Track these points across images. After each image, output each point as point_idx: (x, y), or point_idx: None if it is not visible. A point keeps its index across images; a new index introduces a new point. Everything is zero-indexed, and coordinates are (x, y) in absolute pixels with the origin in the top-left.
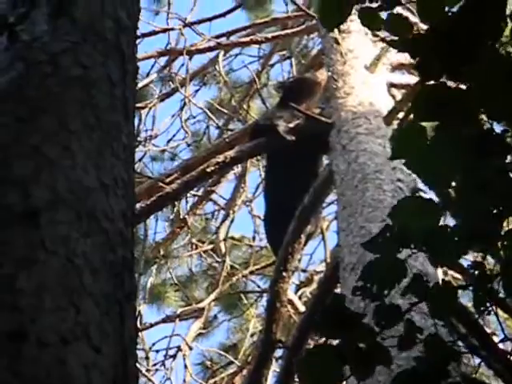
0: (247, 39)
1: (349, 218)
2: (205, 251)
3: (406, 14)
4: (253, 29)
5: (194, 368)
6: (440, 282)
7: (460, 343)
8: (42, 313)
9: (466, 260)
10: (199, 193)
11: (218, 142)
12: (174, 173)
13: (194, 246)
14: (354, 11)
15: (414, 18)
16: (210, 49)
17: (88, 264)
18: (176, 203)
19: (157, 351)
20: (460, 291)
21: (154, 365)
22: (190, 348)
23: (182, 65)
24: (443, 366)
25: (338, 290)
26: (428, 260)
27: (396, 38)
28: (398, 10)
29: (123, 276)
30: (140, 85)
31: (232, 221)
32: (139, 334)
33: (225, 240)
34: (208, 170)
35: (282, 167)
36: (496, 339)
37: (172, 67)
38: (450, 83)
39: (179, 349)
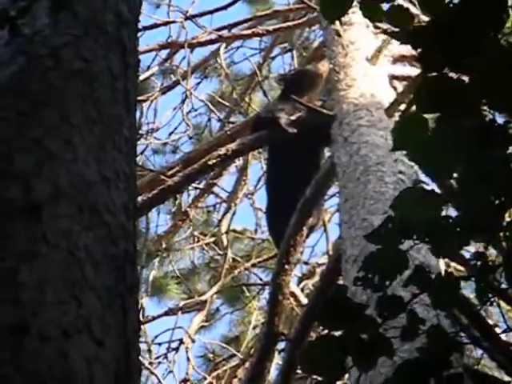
0: (249, 32)
1: (351, 211)
2: (207, 244)
3: (407, 5)
4: (254, 21)
5: (197, 361)
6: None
7: (462, 334)
8: (43, 306)
9: (469, 252)
10: (201, 186)
11: (219, 134)
12: (175, 166)
13: (195, 239)
14: (355, 3)
15: (415, 10)
16: (211, 41)
17: (90, 257)
18: (178, 196)
19: (159, 344)
20: (462, 283)
21: (157, 358)
22: (193, 341)
23: (184, 58)
24: (446, 356)
25: (340, 283)
26: (430, 251)
27: (397, 29)
28: (400, 1)
29: (125, 269)
30: (141, 78)
31: (234, 213)
32: (141, 326)
33: (227, 233)
34: (210, 162)
35: (284, 160)
36: (498, 331)
37: (173, 60)
38: (452, 74)
39: (181, 341)
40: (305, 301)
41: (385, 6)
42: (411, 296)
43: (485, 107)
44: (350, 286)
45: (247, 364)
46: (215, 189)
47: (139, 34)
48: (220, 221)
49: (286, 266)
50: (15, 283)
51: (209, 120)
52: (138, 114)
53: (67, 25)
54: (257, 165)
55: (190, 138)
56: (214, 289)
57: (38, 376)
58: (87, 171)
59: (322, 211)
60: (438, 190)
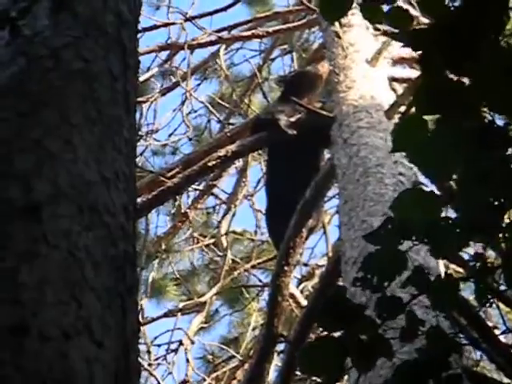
0: (248, 33)
1: (350, 212)
2: (206, 245)
3: (407, 7)
4: (254, 23)
5: (196, 362)
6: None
7: (461, 336)
8: (43, 307)
9: (468, 254)
10: (200, 187)
11: (219, 136)
12: (175, 167)
13: (195, 240)
14: (355, 5)
15: (415, 12)
16: (211, 43)
17: (90, 258)
18: (177, 197)
19: (158, 345)
20: (461, 284)
21: (156, 359)
22: (192, 342)
23: (183, 59)
24: (445, 358)
25: (339, 284)
26: (429, 252)
27: (397, 31)
28: (400, 3)
29: (125, 270)
30: (141, 79)
31: (233, 215)
32: (141, 328)
33: (226, 234)
34: (209, 164)
35: (284, 161)
36: (497, 332)
37: (173, 61)
38: (452, 76)
39: (181, 343)
40: (304, 302)
41: (385, 8)
42: (410, 297)
43: (484, 109)
44: (349, 287)
45: (246, 365)
46: (215, 190)
47: (139, 35)
48: (220, 222)
49: (286, 268)
50: (15, 283)
51: (208, 121)
52: (137, 115)
53: (67, 26)
54: (256, 166)
55: (190, 139)
56: (214, 290)
57: (38, 376)
58: (87, 171)
59: (321, 213)
60: (437, 192)
